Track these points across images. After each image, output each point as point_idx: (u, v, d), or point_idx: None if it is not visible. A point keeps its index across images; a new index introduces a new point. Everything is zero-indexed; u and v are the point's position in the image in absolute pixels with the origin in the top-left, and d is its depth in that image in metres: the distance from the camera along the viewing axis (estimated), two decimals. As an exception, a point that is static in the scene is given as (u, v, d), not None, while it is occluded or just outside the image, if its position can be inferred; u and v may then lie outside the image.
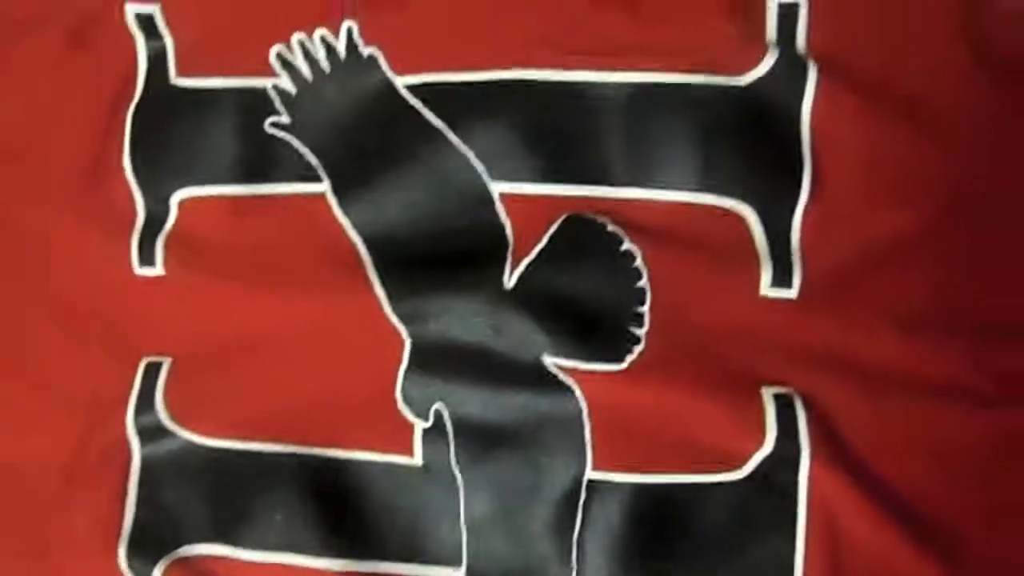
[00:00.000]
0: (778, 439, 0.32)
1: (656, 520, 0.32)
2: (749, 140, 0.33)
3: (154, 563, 0.34)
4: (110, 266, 0.36)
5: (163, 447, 0.35)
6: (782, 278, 0.33)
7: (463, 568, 0.33)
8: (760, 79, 0.33)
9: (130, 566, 0.34)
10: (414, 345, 0.34)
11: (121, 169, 0.36)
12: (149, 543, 0.34)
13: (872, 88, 0.33)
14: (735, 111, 0.33)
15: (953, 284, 0.33)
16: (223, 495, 0.34)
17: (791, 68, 0.33)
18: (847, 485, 0.32)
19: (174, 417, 0.35)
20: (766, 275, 0.33)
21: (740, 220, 0.33)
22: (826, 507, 0.32)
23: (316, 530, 0.34)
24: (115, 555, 0.34)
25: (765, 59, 0.33)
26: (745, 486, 0.32)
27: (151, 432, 0.35)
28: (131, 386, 0.35)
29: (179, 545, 0.34)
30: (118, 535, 0.35)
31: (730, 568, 0.32)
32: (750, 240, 0.33)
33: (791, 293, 0.33)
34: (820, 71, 0.33)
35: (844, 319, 0.33)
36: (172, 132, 0.36)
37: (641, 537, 0.32)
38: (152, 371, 0.35)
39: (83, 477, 0.35)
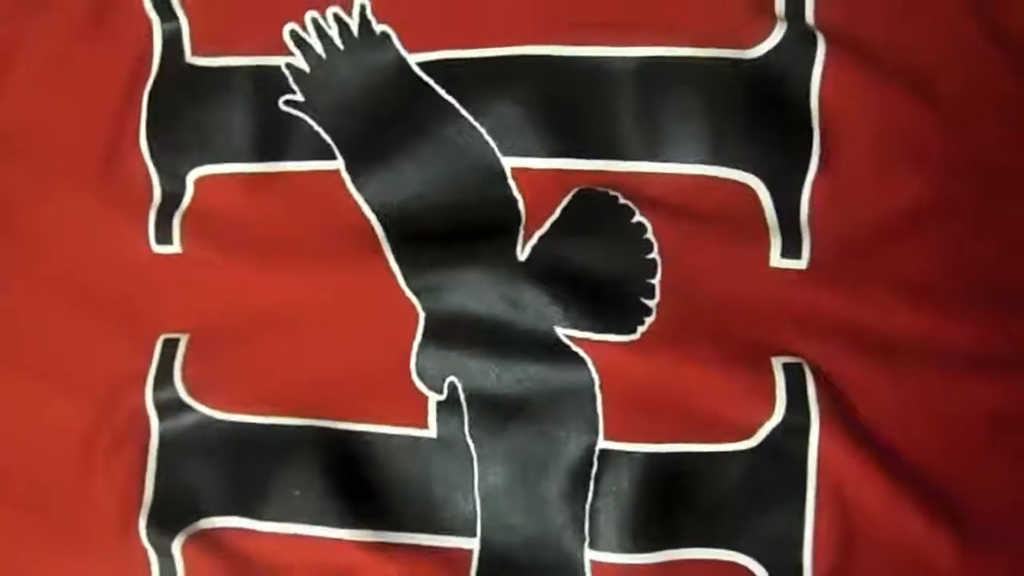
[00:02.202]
0: (788, 409, 0.32)
1: (667, 489, 0.33)
2: (758, 113, 0.33)
3: (174, 535, 0.35)
4: (127, 244, 0.37)
5: (181, 422, 0.35)
6: (791, 249, 0.33)
7: (478, 538, 0.34)
8: (769, 52, 0.33)
9: (150, 539, 0.35)
10: (428, 319, 0.34)
11: (137, 148, 0.37)
12: (169, 516, 0.35)
13: (881, 61, 0.33)
14: (744, 84, 0.33)
15: (963, 254, 0.33)
16: (241, 468, 0.35)
17: (800, 41, 0.33)
18: (857, 455, 0.32)
19: (192, 392, 0.35)
20: (775, 246, 0.33)
21: (750, 192, 0.33)
22: (835, 476, 0.32)
23: (333, 501, 0.34)
24: (136, 528, 0.35)
25: (774, 32, 0.33)
26: (755, 455, 0.32)
27: (170, 407, 0.35)
28: (149, 362, 0.36)
29: (198, 518, 0.35)
30: (138, 509, 0.35)
31: (740, 537, 0.33)
32: (760, 212, 0.33)
33: (801, 264, 0.33)
34: (829, 44, 0.33)
35: (854, 289, 0.33)
36: (188, 111, 0.36)
37: (652, 506, 0.33)
38: (170, 347, 0.36)
39: (102, 453, 0.36)
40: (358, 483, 0.34)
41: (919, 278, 0.33)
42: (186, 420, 0.35)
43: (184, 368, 0.35)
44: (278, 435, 0.35)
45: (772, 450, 0.32)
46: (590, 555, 0.33)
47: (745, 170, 0.33)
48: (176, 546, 0.35)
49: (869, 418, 0.33)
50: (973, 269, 0.33)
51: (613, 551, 0.33)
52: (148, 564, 0.35)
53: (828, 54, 0.33)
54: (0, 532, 0.37)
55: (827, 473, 0.32)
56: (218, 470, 0.35)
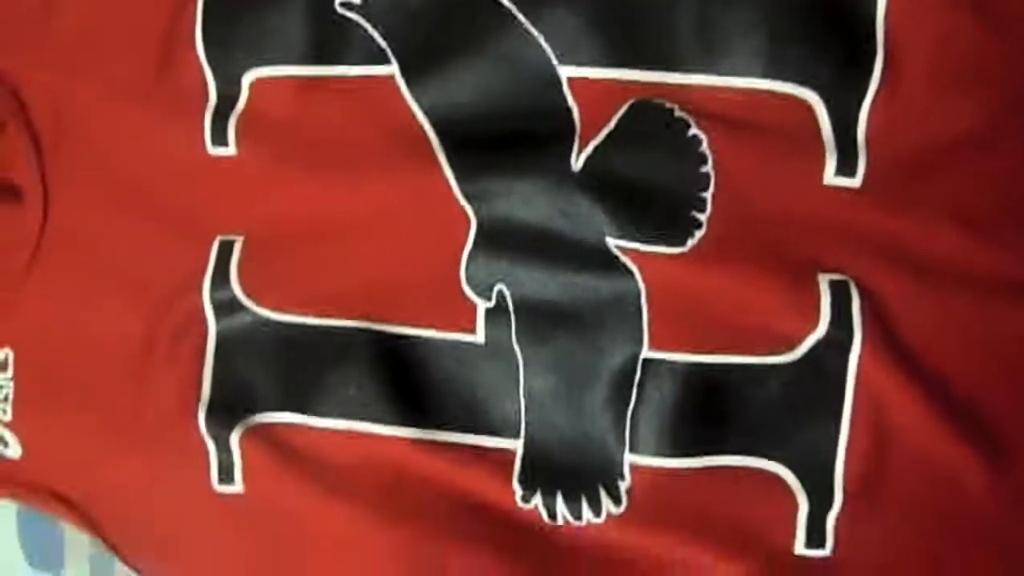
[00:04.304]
0: (831, 324, 0.32)
1: (707, 399, 0.33)
2: (821, 27, 0.33)
3: (232, 428, 0.36)
4: (183, 147, 0.37)
5: (238, 321, 0.36)
6: (846, 167, 0.33)
7: (521, 439, 0.35)
8: None
9: (209, 430, 0.36)
10: (479, 225, 0.34)
11: (193, 50, 0.37)
12: (227, 410, 0.36)
13: None
14: None
15: (1017, 180, 0.33)
16: (294, 367, 0.36)
17: None
18: (896, 374, 0.32)
19: (247, 292, 0.36)
20: (830, 163, 0.33)
21: (807, 108, 0.33)
22: (873, 393, 0.33)
23: (383, 400, 0.35)
24: (195, 421, 0.36)
25: None
26: (796, 369, 0.33)
27: (226, 306, 0.36)
28: (206, 263, 0.36)
29: (255, 412, 0.36)
30: (197, 402, 0.36)
31: (774, 447, 0.33)
32: (816, 128, 0.33)
33: (855, 182, 0.33)
34: None
35: (906, 210, 0.33)
36: (243, 12, 0.36)
37: (691, 414, 0.33)
38: (226, 249, 0.36)
39: (161, 351, 0.37)
40: (408, 384, 0.35)
41: (972, 203, 0.33)
42: (242, 319, 0.36)
43: (240, 269, 0.36)
44: (330, 336, 0.35)
45: (813, 364, 0.33)
46: (629, 458, 0.34)
47: (804, 85, 0.33)
48: (234, 439, 0.36)
49: (912, 340, 0.33)
50: (1020, 199, 0.33)
51: (651, 455, 0.34)
52: (207, 455, 0.36)
53: None
54: (61, 431, 0.38)
55: (864, 389, 0.33)
56: (273, 368, 0.36)
